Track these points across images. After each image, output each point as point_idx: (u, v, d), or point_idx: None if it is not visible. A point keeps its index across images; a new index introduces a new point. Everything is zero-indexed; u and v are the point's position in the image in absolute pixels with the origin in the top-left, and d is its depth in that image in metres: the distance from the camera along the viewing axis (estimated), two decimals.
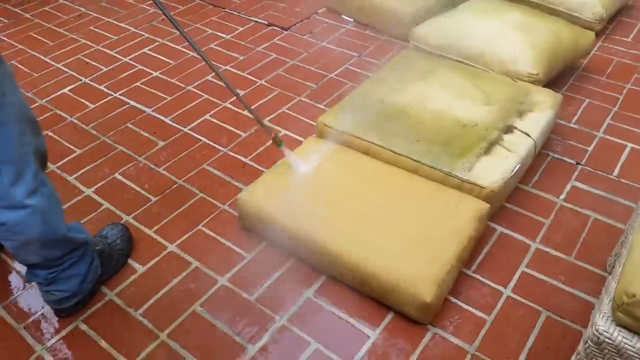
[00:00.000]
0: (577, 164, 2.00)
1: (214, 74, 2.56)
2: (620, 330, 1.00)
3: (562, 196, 1.86)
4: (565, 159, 2.02)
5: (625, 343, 0.99)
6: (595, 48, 2.67)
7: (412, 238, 1.54)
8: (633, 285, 0.97)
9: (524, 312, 1.51)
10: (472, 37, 2.28)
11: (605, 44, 2.72)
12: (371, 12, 2.84)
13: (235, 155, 2.09)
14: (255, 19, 3.03)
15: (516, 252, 1.68)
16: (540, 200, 1.85)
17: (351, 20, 2.98)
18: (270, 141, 2.11)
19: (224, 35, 2.88)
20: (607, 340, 1.01)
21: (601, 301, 1.08)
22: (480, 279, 1.60)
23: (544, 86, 2.21)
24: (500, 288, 1.58)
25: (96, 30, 2.98)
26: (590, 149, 2.06)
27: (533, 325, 1.48)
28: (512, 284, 1.59)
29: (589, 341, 1.04)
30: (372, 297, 1.54)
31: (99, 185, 1.97)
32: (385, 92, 2.06)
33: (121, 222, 1.81)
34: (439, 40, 2.37)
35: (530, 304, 1.54)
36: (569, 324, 1.48)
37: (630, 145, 2.07)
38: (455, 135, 1.86)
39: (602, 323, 1.03)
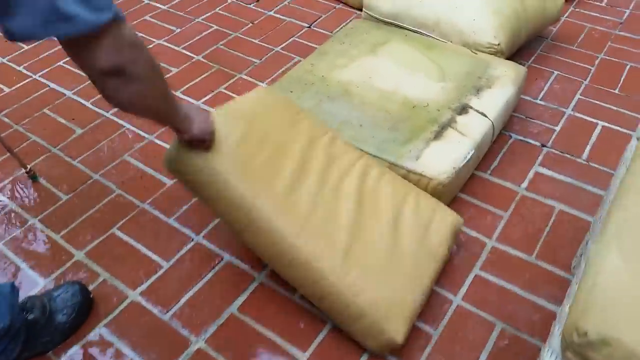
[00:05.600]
0: (542, 146, 1.79)
1: None
2: None
3: (524, 184, 1.66)
4: (529, 140, 1.81)
5: None
6: (567, 14, 2.44)
7: (387, 254, 1.27)
8: (585, 319, 0.77)
9: (476, 323, 1.32)
10: (427, 2, 2.03)
11: (578, 10, 2.48)
12: None
13: (161, 144, 1.84)
14: None
15: (470, 253, 1.48)
16: (499, 190, 1.65)
17: None
18: None
19: (161, 6, 2.60)
20: None
21: (552, 333, 0.89)
22: None
23: (507, 58, 1.98)
24: (450, 296, 1.38)
25: None
26: (557, 128, 1.85)
27: (486, 340, 1.29)
28: (463, 290, 1.39)
29: None
30: (328, 319, 1.33)
31: (5, 181, 1.72)
32: (328, 69, 1.83)
33: (25, 225, 1.58)
34: (392, 8, 2.11)
35: (483, 314, 1.34)
36: (526, 338, 1.29)
37: (601, 123, 1.87)
38: (403, 118, 1.63)
39: None
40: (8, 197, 1.67)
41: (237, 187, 1.25)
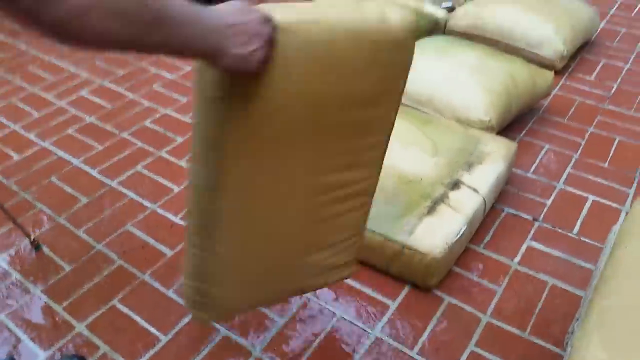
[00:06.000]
0: (534, 220, 1.84)
1: (152, 118, 2.40)
2: None
3: (517, 259, 1.70)
4: (521, 214, 1.86)
5: None
6: (557, 88, 2.55)
7: (277, 271, 1.17)
8: None
9: None
10: (421, 79, 2.14)
11: (568, 83, 2.59)
12: None
13: (164, 214, 1.90)
14: None
15: (465, 329, 1.50)
16: (493, 264, 1.68)
17: None
18: None
19: (169, 75, 2.71)
20: None
21: None
22: None
23: (498, 133, 2.07)
24: None
25: (34, 70, 2.80)
26: (548, 202, 1.90)
27: None
28: None
29: None
30: None
31: (9, 250, 1.77)
32: None
33: (27, 295, 1.61)
34: None
35: None
36: None
37: (591, 197, 1.92)
38: (398, 193, 1.69)
39: None
40: (11, 267, 1.71)
41: (231, 134, 0.90)
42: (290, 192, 1.03)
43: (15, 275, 1.68)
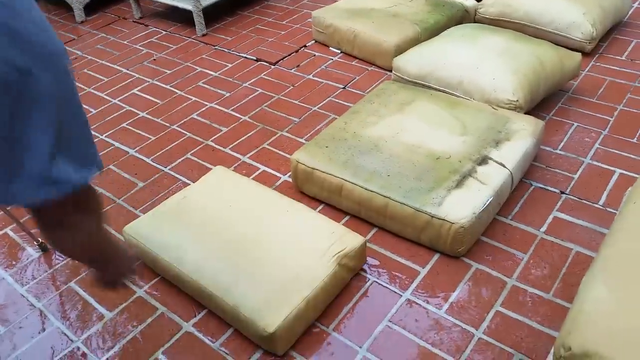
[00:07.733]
0: (562, 193, 1.91)
1: (199, 111, 2.58)
2: None
3: (543, 228, 1.78)
4: (549, 188, 1.94)
5: None
6: (587, 68, 2.60)
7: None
8: (570, 337, 0.90)
9: (495, 356, 1.43)
10: (450, 64, 2.24)
11: (598, 64, 2.63)
12: (358, 44, 2.83)
13: None
14: (245, 55, 3.04)
15: (491, 290, 1.60)
16: (520, 234, 1.77)
17: (339, 52, 2.97)
18: None
19: (212, 73, 2.90)
20: None
21: (550, 353, 1.01)
22: (452, 319, 1.53)
23: (527, 112, 2.15)
24: (472, 330, 1.50)
25: (89, 72, 3.03)
26: (575, 176, 1.98)
27: None
28: (484, 325, 1.51)
29: None
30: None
31: None
32: (359, 126, 2.03)
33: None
34: (419, 70, 2.33)
35: (503, 346, 1.45)
36: None
37: (619, 171, 1.98)
38: (427, 169, 1.80)
39: None
40: None
41: None
42: None
43: None
